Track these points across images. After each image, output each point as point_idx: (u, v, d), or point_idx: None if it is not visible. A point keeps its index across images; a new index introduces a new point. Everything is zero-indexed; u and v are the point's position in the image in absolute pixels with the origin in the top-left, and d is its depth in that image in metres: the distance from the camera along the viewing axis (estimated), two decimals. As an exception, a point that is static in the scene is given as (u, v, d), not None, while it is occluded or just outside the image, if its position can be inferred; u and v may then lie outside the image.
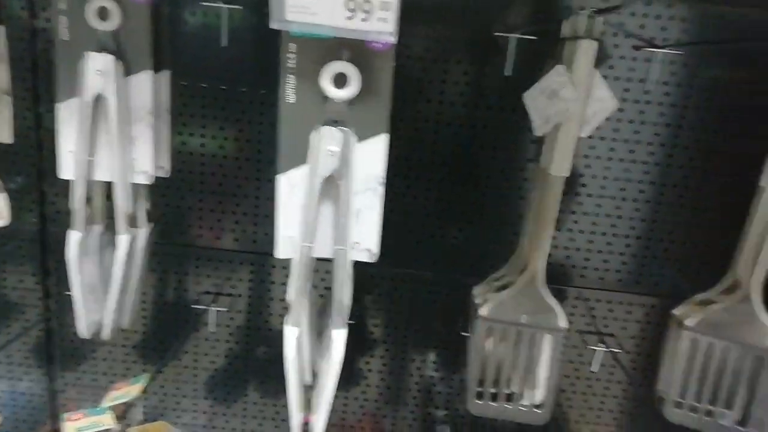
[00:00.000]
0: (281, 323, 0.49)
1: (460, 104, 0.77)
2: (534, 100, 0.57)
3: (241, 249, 0.84)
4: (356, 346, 0.90)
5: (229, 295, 0.86)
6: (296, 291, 0.48)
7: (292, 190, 0.46)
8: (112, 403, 0.63)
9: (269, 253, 0.84)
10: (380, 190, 0.48)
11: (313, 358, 0.62)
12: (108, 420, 0.60)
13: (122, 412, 0.64)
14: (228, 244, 0.83)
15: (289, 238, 0.48)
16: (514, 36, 0.68)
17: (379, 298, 0.86)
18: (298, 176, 0.46)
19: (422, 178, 0.79)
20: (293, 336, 0.48)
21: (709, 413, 0.63)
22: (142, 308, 0.85)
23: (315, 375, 0.59)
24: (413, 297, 0.86)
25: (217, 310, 0.85)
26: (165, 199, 0.80)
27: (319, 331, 0.65)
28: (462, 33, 0.74)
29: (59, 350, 0.88)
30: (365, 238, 0.49)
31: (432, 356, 0.90)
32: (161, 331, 0.87)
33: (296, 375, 0.49)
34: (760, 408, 0.60)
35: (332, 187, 0.47)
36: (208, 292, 0.86)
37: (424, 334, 0.89)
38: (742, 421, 0.62)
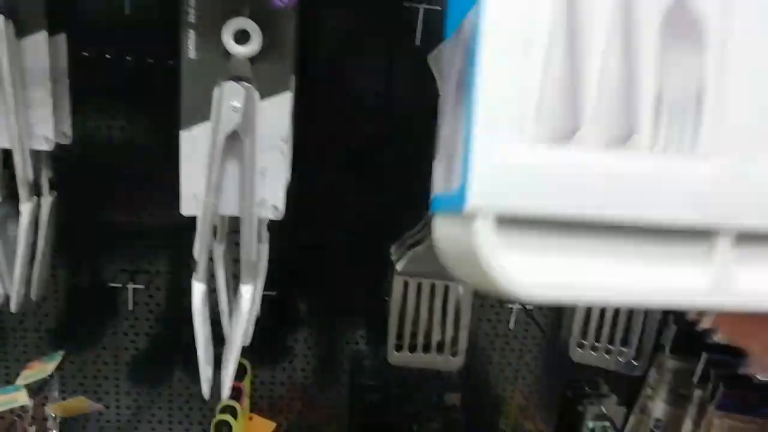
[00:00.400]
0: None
1: (374, 74, 0.78)
2: (437, 62, 0.59)
3: (157, 224, 0.83)
4: (282, 321, 0.90)
5: (147, 272, 0.85)
6: (201, 247, 0.48)
7: (195, 146, 0.47)
8: (25, 382, 0.62)
9: (187, 227, 0.84)
10: (285, 149, 0.49)
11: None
12: (22, 397, 0.59)
13: (38, 391, 0.62)
14: (144, 220, 0.82)
15: (193, 195, 0.48)
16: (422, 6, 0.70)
17: (301, 270, 0.87)
18: (201, 132, 0.46)
19: (338, 145, 0.80)
20: (200, 291, 0.48)
21: (608, 351, 0.68)
22: (56, 289, 0.83)
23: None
24: (336, 268, 0.87)
25: (134, 288, 0.84)
26: (75, 176, 0.78)
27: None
28: (374, 3, 0.75)
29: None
30: (271, 196, 0.50)
31: (359, 327, 0.92)
32: (77, 311, 0.85)
33: (204, 329, 0.50)
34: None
35: (237, 144, 0.47)
36: (124, 270, 0.84)
37: (349, 305, 0.90)
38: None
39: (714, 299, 0.27)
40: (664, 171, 0.26)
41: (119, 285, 0.83)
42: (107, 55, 0.76)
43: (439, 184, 0.30)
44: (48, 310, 0.84)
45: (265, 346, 0.90)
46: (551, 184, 0.25)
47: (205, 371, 0.52)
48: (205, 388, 0.54)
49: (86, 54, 0.74)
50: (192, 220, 0.82)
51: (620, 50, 0.25)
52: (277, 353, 0.92)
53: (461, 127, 0.26)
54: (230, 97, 0.45)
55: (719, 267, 0.27)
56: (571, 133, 0.25)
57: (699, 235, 0.26)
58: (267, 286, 0.85)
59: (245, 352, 0.82)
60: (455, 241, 0.27)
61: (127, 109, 0.77)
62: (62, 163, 0.77)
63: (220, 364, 0.55)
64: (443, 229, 0.28)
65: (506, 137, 0.25)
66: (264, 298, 0.85)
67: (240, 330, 0.51)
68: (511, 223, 0.25)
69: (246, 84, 0.46)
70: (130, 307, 0.85)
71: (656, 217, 0.26)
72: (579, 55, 0.25)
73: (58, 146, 0.75)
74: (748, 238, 0.27)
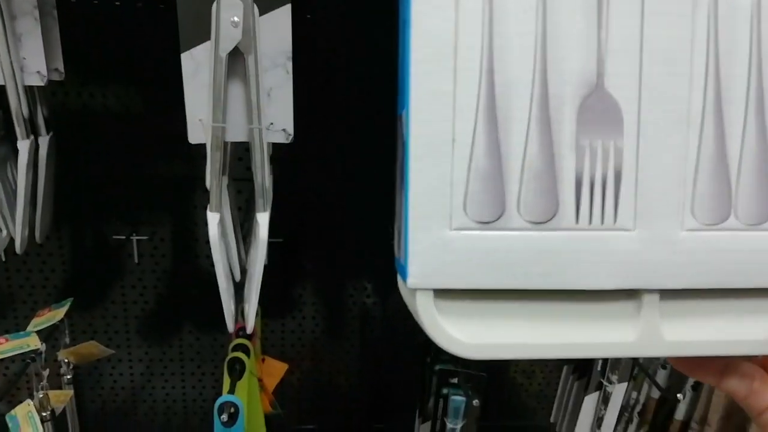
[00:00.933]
0: (208, 254, 0.48)
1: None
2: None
3: (158, 175, 0.81)
4: (290, 269, 0.90)
5: (150, 223, 0.84)
6: (212, 176, 0.47)
7: (197, 68, 0.45)
8: (35, 329, 0.61)
9: (187, 178, 0.82)
10: (289, 66, 0.47)
11: (242, 263, 0.62)
12: (33, 341, 0.58)
13: (48, 336, 0.62)
14: (144, 171, 0.81)
15: (198, 122, 0.47)
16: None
17: (309, 217, 0.86)
18: (202, 52, 0.45)
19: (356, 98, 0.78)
20: (215, 220, 0.47)
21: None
22: (60, 245, 0.82)
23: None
24: (344, 215, 0.86)
25: (138, 239, 0.83)
26: (73, 127, 0.76)
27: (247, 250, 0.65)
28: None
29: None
30: (279, 118, 0.48)
31: (367, 275, 0.91)
32: (84, 266, 0.84)
33: (223, 261, 0.49)
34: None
35: (240, 65, 0.46)
36: (126, 222, 0.83)
37: (357, 259, 0.89)
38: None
39: (643, 350, 0.30)
40: (587, 244, 0.28)
41: (123, 237, 0.82)
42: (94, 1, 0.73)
43: (395, 248, 0.32)
44: (54, 266, 0.83)
45: (273, 295, 0.89)
46: (482, 262, 0.28)
47: (228, 305, 0.51)
48: (230, 323, 0.53)
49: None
50: (191, 169, 0.81)
51: (540, 137, 0.28)
52: (285, 303, 0.92)
53: (402, 209, 0.29)
54: (228, 11, 0.43)
55: (646, 321, 0.29)
56: (497, 216, 0.28)
57: (626, 293, 0.29)
58: (274, 233, 0.84)
59: (254, 298, 0.82)
60: (408, 301, 0.30)
61: (126, 51, 0.75)
62: (60, 116, 0.76)
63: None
64: (401, 286, 0.30)
65: (437, 224, 0.27)
66: (271, 245, 0.85)
67: (260, 259, 0.50)
68: (449, 292, 0.28)
69: (244, -2, 0.44)
70: (136, 260, 0.84)
71: (582, 284, 0.28)
72: (501, 146, 0.27)
73: (56, 99, 0.74)
74: (671, 293, 0.29)
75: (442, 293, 0.28)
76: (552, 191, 0.28)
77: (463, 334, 0.29)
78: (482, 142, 0.27)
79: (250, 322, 0.52)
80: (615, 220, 0.28)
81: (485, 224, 0.28)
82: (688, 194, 0.29)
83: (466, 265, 0.28)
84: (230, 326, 0.52)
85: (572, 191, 0.28)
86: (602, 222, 0.28)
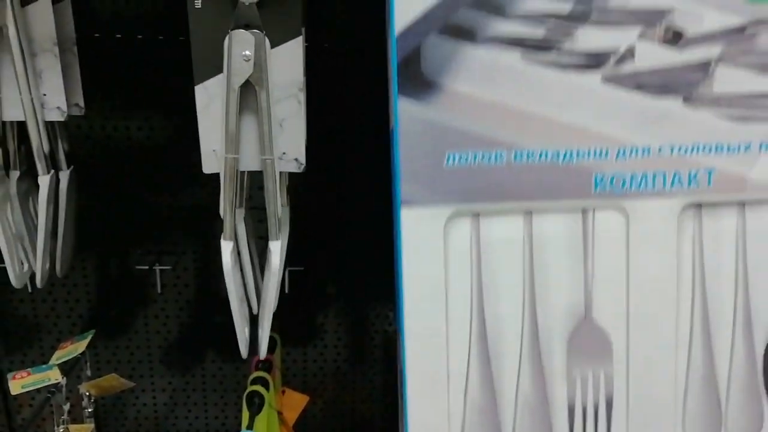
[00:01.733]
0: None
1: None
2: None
3: (180, 205, 0.82)
4: (311, 297, 0.89)
5: (172, 253, 0.84)
6: (227, 205, 0.47)
7: (210, 100, 0.45)
8: (58, 362, 0.62)
9: (209, 207, 0.83)
10: (301, 97, 0.47)
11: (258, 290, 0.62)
12: (55, 375, 0.59)
13: (71, 368, 0.62)
14: (165, 201, 0.81)
15: (213, 152, 0.47)
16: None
17: (326, 246, 0.86)
18: (215, 85, 0.45)
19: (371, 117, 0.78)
20: (228, 249, 0.47)
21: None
22: (84, 275, 0.83)
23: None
24: (365, 242, 0.86)
25: (161, 269, 0.84)
26: (95, 159, 0.77)
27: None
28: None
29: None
30: (291, 148, 0.48)
31: (390, 302, 0.90)
32: (107, 297, 0.85)
33: (237, 289, 0.49)
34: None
35: (252, 97, 0.46)
36: (149, 252, 0.84)
37: (378, 287, 0.88)
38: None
39: None
40: None
41: (146, 267, 0.83)
42: (117, 35, 0.75)
43: None
44: (79, 297, 0.84)
45: (294, 324, 0.89)
46: None
47: (242, 332, 0.51)
48: (243, 349, 0.53)
49: (97, 35, 0.74)
50: (213, 198, 0.82)
51: (531, 370, 0.29)
52: (307, 332, 0.91)
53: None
54: (240, 45, 0.44)
55: None
56: None
57: None
58: (294, 262, 0.84)
59: (275, 328, 0.81)
60: None
61: (145, 91, 0.77)
62: (81, 145, 0.77)
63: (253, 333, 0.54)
64: None
65: None
66: (292, 273, 0.84)
67: (273, 287, 0.49)
68: None
69: (255, 31, 0.44)
70: (159, 290, 0.85)
71: None
72: (494, 379, 0.29)
73: (80, 132, 0.76)
74: None
75: None
76: (545, 421, 0.29)
77: None
78: (476, 376, 0.28)
79: (262, 349, 0.52)
80: None
81: None
82: (679, 414, 0.29)
83: None
84: (243, 352, 0.52)
85: (565, 420, 0.29)
86: None
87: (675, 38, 0.28)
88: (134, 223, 0.82)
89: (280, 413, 0.71)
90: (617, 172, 0.28)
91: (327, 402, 0.93)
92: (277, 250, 0.48)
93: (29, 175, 0.56)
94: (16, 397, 0.81)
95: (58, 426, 0.60)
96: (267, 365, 0.69)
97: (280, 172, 0.49)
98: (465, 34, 0.28)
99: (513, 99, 0.28)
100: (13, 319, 0.85)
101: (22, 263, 0.56)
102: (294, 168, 0.49)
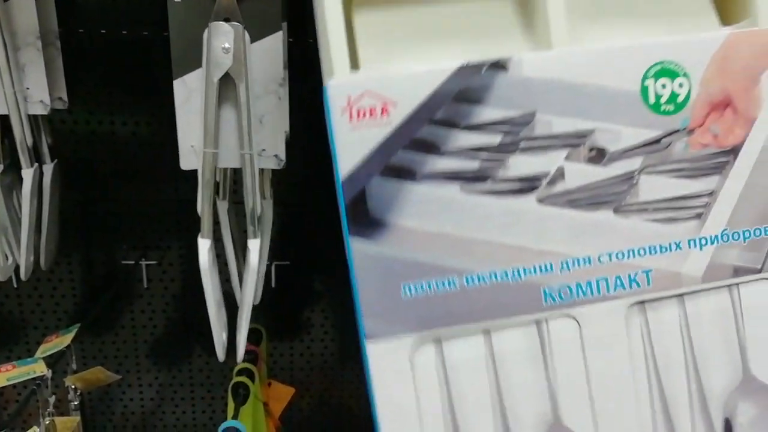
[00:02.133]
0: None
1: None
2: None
3: (165, 199, 0.82)
4: (297, 291, 0.90)
5: (158, 248, 0.85)
6: (204, 202, 0.47)
7: (189, 94, 0.46)
8: (43, 355, 0.62)
9: (196, 199, 0.83)
10: (282, 93, 0.48)
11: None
12: (40, 368, 0.59)
13: (56, 362, 0.63)
14: (151, 195, 0.82)
15: (191, 148, 0.47)
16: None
17: (312, 240, 0.86)
18: (194, 80, 0.46)
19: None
20: (205, 248, 0.47)
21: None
22: (70, 270, 0.83)
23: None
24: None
25: (147, 264, 0.84)
26: (78, 154, 0.77)
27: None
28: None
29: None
30: (271, 145, 0.49)
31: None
32: (93, 292, 0.85)
33: (214, 290, 0.49)
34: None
35: (231, 91, 0.46)
36: (135, 247, 0.84)
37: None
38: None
39: None
40: None
41: (132, 262, 0.83)
42: (102, 30, 0.75)
43: None
44: (65, 292, 0.84)
45: (281, 318, 0.89)
46: None
47: (219, 335, 0.51)
48: (220, 352, 0.53)
49: (81, 30, 0.74)
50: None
51: None
52: (294, 325, 0.91)
53: None
54: (219, 37, 0.44)
55: None
56: None
57: None
58: (280, 256, 0.84)
59: (261, 322, 0.82)
60: None
61: (129, 86, 0.77)
62: (65, 140, 0.77)
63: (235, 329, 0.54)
64: None
65: None
66: (278, 267, 0.85)
67: (250, 287, 0.49)
68: None
69: (235, 23, 0.44)
70: (145, 284, 0.85)
71: None
72: None
73: (65, 126, 0.76)
74: None
75: None
76: None
77: None
78: None
79: (240, 352, 0.52)
80: None
81: None
82: None
83: None
84: (221, 356, 0.52)
85: None
86: None
87: (599, 156, 0.31)
88: (120, 218, 0.82)
89: (266, 404, 0.71)
90: (563, 283, 0.30)
91: (314, 396, 0.94)
92: (255, 248, 0.48)
93: (13, 169, 0.56)
94: (2, 391, 0.82)
95: (43, 419, 0.60)
96: (253, 356, 0.70)
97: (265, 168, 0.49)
98: (405, 173, 0.30)
99: (457, 228, 0.30)
100: (-1, 315, 0.85)
101: (7, 256, 0.57)
102: (273, 165, 0.49)
